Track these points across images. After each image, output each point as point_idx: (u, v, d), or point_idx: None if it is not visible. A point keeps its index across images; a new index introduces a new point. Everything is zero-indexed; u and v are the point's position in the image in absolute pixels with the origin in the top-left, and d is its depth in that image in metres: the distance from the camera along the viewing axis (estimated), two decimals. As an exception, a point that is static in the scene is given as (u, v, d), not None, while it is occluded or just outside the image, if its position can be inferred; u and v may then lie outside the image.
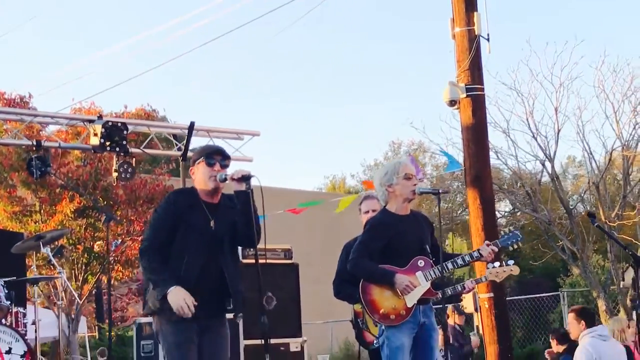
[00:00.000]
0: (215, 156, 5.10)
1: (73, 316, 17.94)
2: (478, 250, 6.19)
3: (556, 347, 10.06)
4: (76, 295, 8.85)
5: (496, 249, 6.20)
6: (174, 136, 11.41)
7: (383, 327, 6.09)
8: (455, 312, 12.26)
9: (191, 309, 4.77)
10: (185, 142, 11.04)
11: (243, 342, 8.53)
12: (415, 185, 6.13)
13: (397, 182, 6.09)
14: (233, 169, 5.07)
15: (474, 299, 12.50)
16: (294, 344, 9.07)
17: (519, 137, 25.31)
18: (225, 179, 5.01)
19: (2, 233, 10.36)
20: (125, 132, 10.23)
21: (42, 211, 19.19)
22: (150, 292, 4.97)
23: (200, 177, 5.08)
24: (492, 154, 13.57)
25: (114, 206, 19.46)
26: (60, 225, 18.69)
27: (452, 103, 10.90)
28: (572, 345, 9.07)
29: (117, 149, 10.24)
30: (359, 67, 56.91)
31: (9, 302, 8.01)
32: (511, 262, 8.00)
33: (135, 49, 59.33)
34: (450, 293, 7.76)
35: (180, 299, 4.76)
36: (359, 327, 7.04)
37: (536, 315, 20.90)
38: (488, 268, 7.93)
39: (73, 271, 18.92)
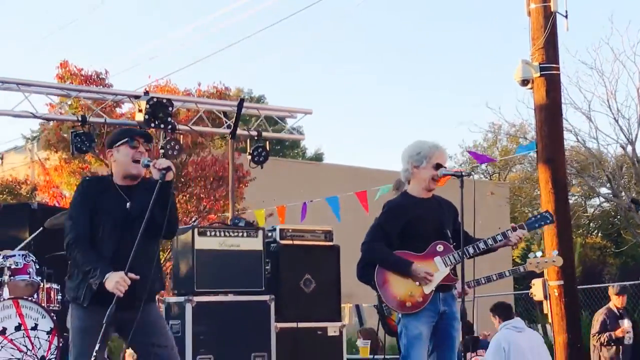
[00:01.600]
0: (139, 138, 4.83)
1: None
2: (503, 233, 5.82)
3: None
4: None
5: (525, 232, 5.85)
6: (224, 114, 11.23)
7: (400, 315, 5.79)
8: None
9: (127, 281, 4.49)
10: (234, 119, 10.83)
11: (274, 325, 8.26)
12: (437, 180, 5.83)
13: (425, 167, 5.81)
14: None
15: (544, 286, 12.06)
16: (332, 329, 8.78)
17: (600, 119, 24.41)
18: (148, 166, 4.71)
19: (47, 209, 10.34)
20: (170, 108, 10.08)
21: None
22: (74, 281, 4.72)
23: (122, 160, 4.78)
24: (571, 136, 13.02)
25: (184, 183, 19.56)
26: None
27: (525, 82, 10.46)
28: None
29: (162, 125, 10.11)
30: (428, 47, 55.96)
31: (40, 278, 7.97)
32: (555, 252, 7.56)
33: (209, 28, 59.92)
34: (484, 282, 7.36)
35: (116, 278, 4.49)
36: (383, 314, 6.74)
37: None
38: (529, 257, 7.51)
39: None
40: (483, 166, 35.66)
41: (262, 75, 56.85)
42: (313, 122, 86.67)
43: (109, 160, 4.89)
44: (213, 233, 8.22)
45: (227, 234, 8.27)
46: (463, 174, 5.93)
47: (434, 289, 5.70)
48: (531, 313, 18.46)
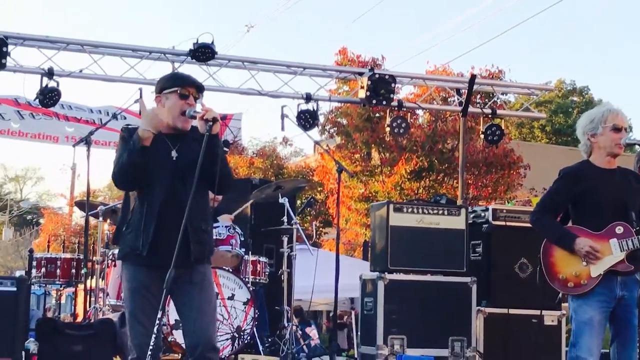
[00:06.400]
0: (190, 89, 4.53)
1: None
2: None
3: None
4: (308, 245, 8.67)
5: None
6: (457, 91, 10.80)
7: (569, 299, 5.20)
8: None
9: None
10: (465, 96, 10.37)
11: (477, 309, 7.79)
12: (620, 146, 5.18)
13: (602, 133, 5.21)
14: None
15: None
16: (549, 317, 8.12)
17: None
18: (194, 117, 4.42)
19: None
20: (393, 84, 9.85)
21: (381, 172, 19.63)
22: (124, 232, 4.56)
23: (169, 109, 4.50)
24: None
25: (451, 169, 19.29)
26: (396, 186, 18.98)
27: None
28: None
29: (384, 102, 9.91)
30: None
31: (243, 250, 8.15)
32: None
33: (481, 15, 58.66)
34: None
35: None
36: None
37: None
38: None
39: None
40: None
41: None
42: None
43: (156, 106, 4.62)
44: (410, 209, 7.91)
45: (425, 211, 7.92)
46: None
47: (602, 272, 5.06)
48: None
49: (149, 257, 4.38)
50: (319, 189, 23.61)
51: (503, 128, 10.65)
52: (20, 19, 72.18)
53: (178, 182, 4.42)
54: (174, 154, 4.48)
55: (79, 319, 9.90)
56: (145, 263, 4.40)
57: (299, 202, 17.49)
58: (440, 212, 7.96)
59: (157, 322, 4.09)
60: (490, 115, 10.54)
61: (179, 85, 4.53)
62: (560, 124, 34.73)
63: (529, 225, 8.28)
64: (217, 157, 4.29)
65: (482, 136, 10.63)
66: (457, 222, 8.00)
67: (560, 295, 5.94)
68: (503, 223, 8.28)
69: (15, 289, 7.05)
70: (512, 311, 8.06)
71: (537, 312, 8.05)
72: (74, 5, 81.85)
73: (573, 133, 30.10)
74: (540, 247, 5.40)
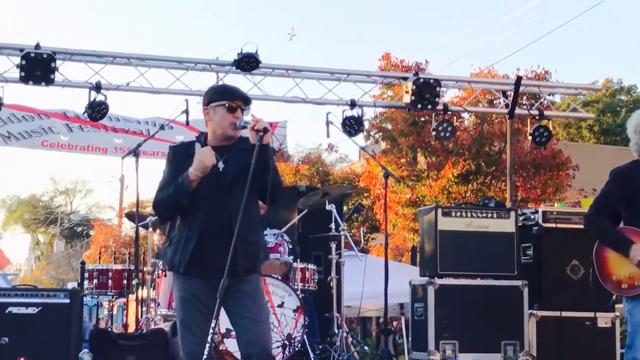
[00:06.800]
0: (238, 102, 4.51)
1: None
2: None
3: None
4: (356, 252, 8.63)
5: None
6: (503, 93, 10.70)
7: (624, 300, 5.13)
8: None
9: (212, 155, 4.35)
10: (512, 98, 10.27)
11: (528, 312, 7.71)
12: None
13: None
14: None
15: None
16: (603, 319, 8.00)
17: None
18: (244, 127, 4.41)
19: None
20: (438, 88, 9.79)
21: (428, 176, 19.53)
22: (170, 248, 4.58)
23: (218, 122, 4.51)
24: None
25: (499, 172, 19.12)
26: (443, 190, 18.87)
27: None
28: None
29: (430, 106, 9.87)
30: None
31: (292, 258, 8.15)
32: None
33: (525, 17, 58.06)
34: None
35: (201, 152, 4.36)
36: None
37: None
38: None
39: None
40: None
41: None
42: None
43: (204, 118, 4.63)
44: (458, 213, 7.87)
45: (474, 214, 7.88)
46: None
47: None
48: None
49: (196, 268, 4.41)
50: (365, 194, 23.56)
51: (550, 129, 10.53)
52: (67, 34, 73.48)
53: (225, 193, 4.43)
54: (220, 165, 4.48)
55: (130, 329, 9.99)
56: (194, 273, 4.43)
57: (345, 208, 17.47)
58: (489, 215, 7.91)
59: (211, 330, 4.10)
60: (537, 117, 10.42)
61: (227, 99, 4.52)
62: (608, 123, 34.26)
63: (580, 226, 8.18)
64: (269, 166, 4.29)
65: (529, 138, 10.52)
66: (507, 225, 7.94)
67: (614, 297, 5.86)
68: (554, 225, 8.19)
69: (68, 300, 7.13)
70: (565, 314, 7.97)
71: (591, 314, 7.96)
72: (120, 20, 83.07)
73: (622, 132, 29.63)
74: (593, 248, 5.33)
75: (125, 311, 12.61)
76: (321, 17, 69.67)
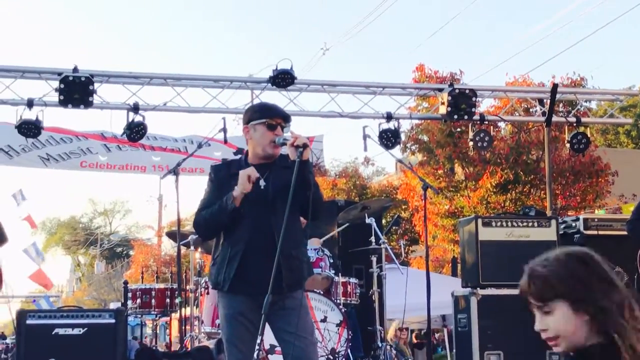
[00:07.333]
0: (278, 119, 4.54)
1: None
2: None
3: None
4: (397, 264, 8.63)
5: None
6: (539, 101, 10.63)
7: None
8: None
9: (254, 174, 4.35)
10: (549, 106, 10.20)
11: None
12: None
13: None
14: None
15: None
16: (649, 327, 7.86)
17: None
18: (284, 144, 4.43)
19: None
20: (474, 98, 9.77)
21: (466, 186, 19.44)
22: (214, 266, 4.60)
23: (258, 140, 4.53)
24: None
25: (537, 180, 18.98)
26: (482, 200, 18.77)
27: None
28: None
29: (466, 116, 9.83)
30: None
31: (334, 272, 8.16)
32: None
33: (557, 25, 57.73)
34: None
35: (242, 175, 4.36)
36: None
37: None
38: None
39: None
40: None
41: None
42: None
43: (244, 136, 4.67)
44: (499, 223, 7.82)
45: (515, 224, 7.83)
46: None
47: None
48: None
49: (240, 286, 4.44)
50: (403, 207, 23.51)
51: (588, 135, 10.45)
52: (104, 57, 74.31)
53: (268, 210, 4.46)
54: (262, 182, 4.51)
55: (174, 347, 10.05)
56: (239, 291, 4.46)
57: (384, 221, 17.44)
58: (530, 224, 7.86)
59: (257, 347, 4.12)
60: (574, 124, 10.34)
61: (266, 117, 4.56)
62: (646, 128, 33.84)
63: (622, 232, 8.17)
64: (309, 182, 4.32)
65: (567, 145, 10.43)
66: (548, 234, 7.87)
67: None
68: (595, 232, 8.13)
69: (113, 320, 7.21)
70: (610, 322, 7.86)
71: (637, 321, 7.85)
72: (154, 40, 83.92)
73: (660, 137, 29.21)
74: (636, 254, 5.28)
75: (167, 330, 12.71)
76: (352, 30, 69.92)
